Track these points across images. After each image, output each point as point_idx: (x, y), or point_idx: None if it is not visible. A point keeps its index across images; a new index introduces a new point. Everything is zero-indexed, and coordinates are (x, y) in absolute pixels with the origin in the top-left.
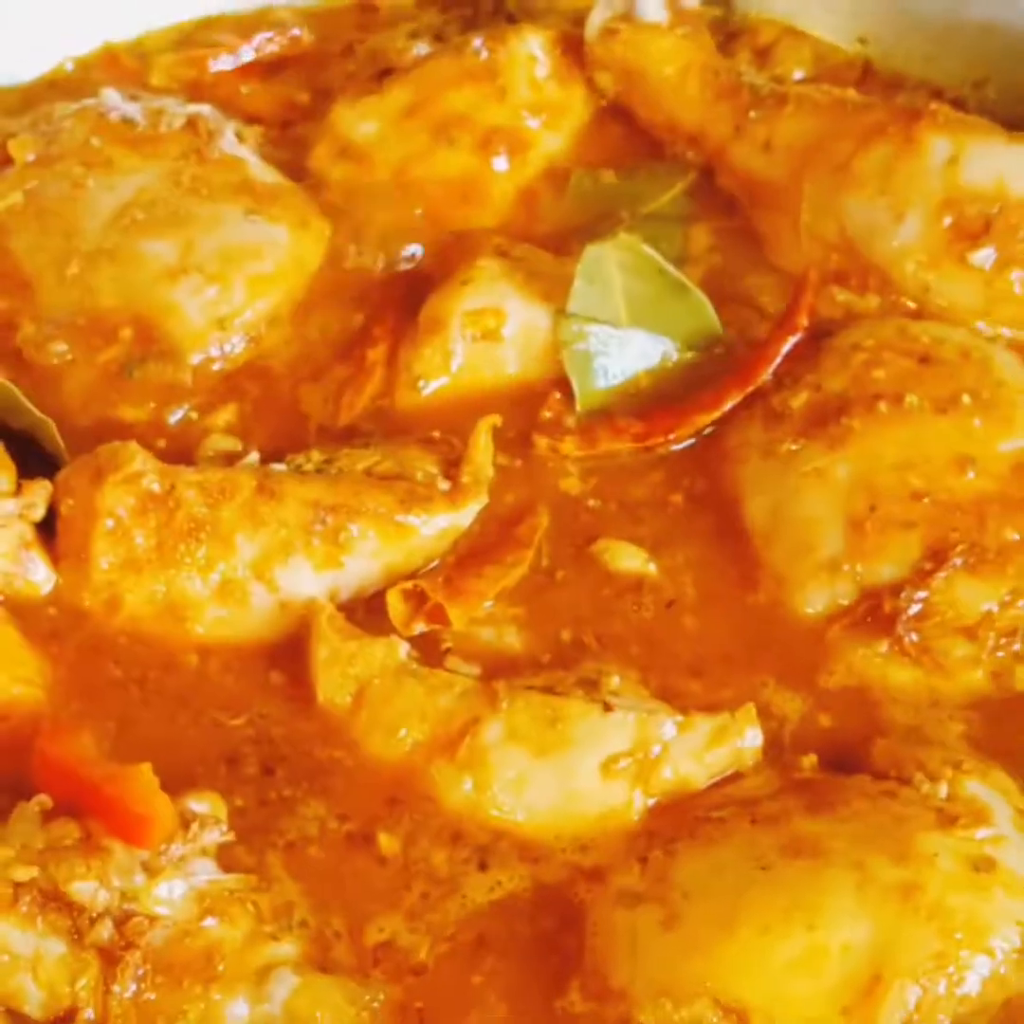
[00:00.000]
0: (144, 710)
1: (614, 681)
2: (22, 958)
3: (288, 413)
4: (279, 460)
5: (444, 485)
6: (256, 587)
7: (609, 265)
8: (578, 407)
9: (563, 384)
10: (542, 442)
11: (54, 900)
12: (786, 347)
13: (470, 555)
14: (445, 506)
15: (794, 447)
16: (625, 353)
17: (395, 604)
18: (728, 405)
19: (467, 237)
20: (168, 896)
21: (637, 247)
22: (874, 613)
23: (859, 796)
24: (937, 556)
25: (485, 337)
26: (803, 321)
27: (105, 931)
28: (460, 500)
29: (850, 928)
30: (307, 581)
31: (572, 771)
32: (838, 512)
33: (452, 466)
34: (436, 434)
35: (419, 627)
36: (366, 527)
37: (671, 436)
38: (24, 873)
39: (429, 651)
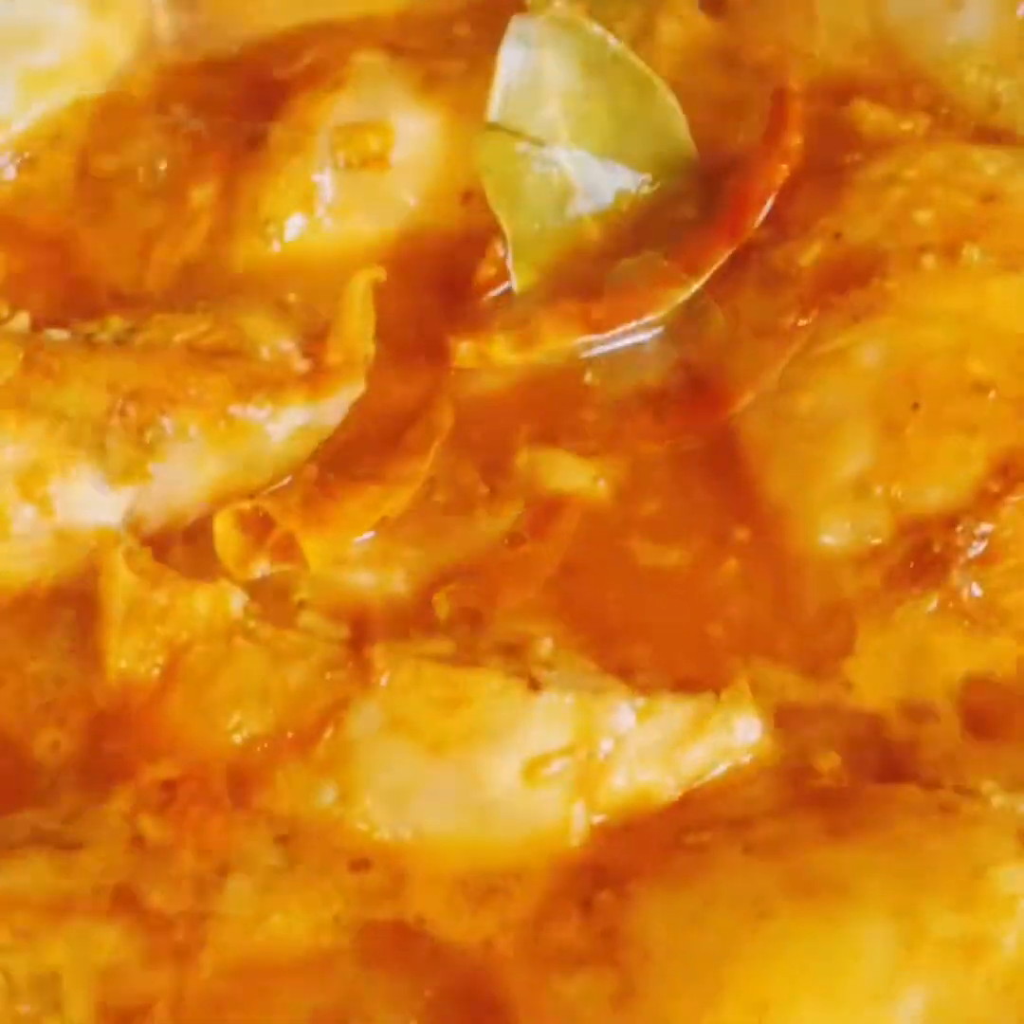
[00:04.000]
0: None
1: (545, 646)
2: None
3: (74, 269)
4: (62, 329)
5: (302, 365)
6: (22, 509)
7: (542, 52)
8: (511, 266)
9: (483, 239)
10: (463, 346)
11: None
12: (780, 179)
13: (339, 469)
14: (303, 394)
15: (803, 321)
16: (565, 188)
17: (226, 533)
18: (713, 267)
19: (341, 25)
20: None
21: (580, 24)
22: (919, 556)
23: (903, 813)
24: (1008, 473)
25: (365, 164)
26: (795, 140)
27: None
28: (324, 386)
29: (892, 1002)
30: (97, 501)
31: (483, 776)
32: (866, 411)
33: (314, 341)
34: (292, 297)
35: (261, 568)
36: (185, 422)
37: (640, 320)
38: None
39: (275, 604)
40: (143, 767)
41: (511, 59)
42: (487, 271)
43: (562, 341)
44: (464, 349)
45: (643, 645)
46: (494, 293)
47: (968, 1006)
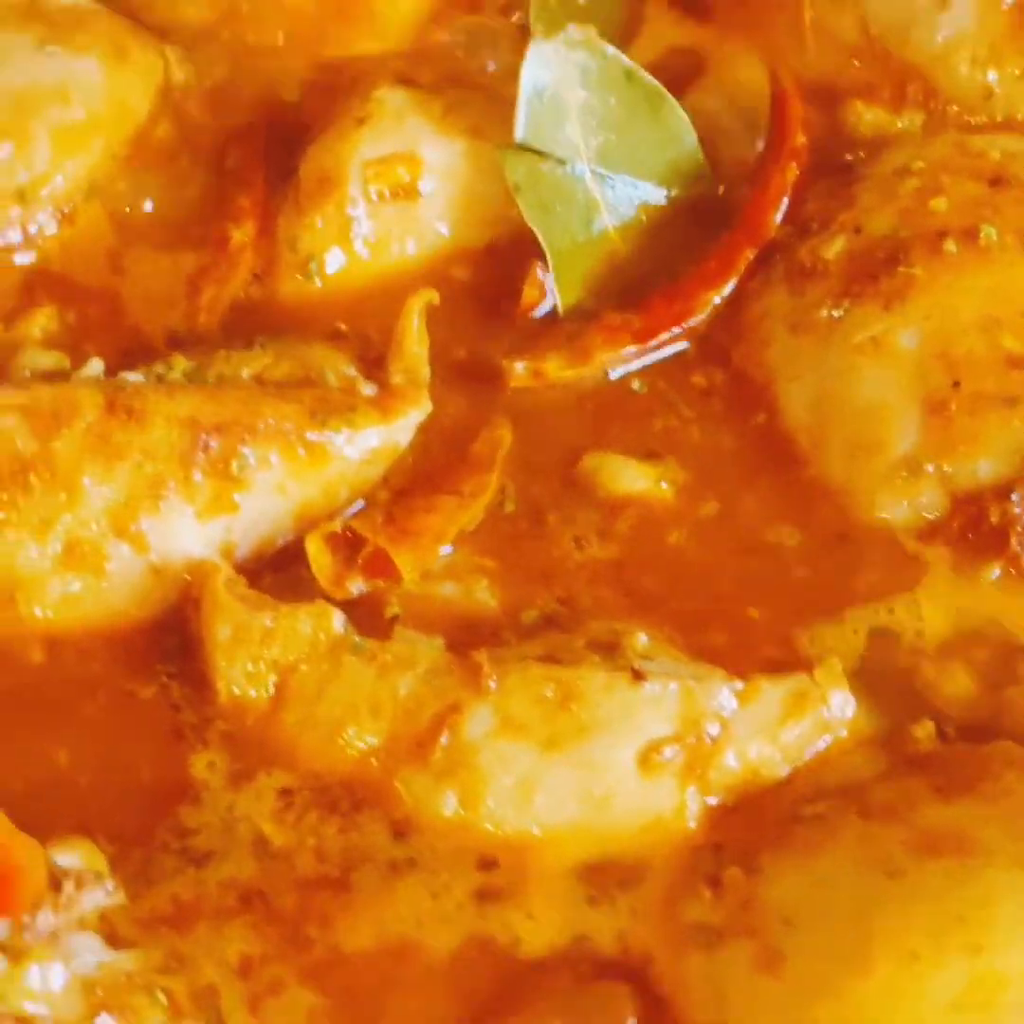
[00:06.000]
0: None
1: (640, 640)
2: None
3: (125, 317)
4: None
5: (369, 389)
6: (117, 547)
7: (561, 73)
8: (553, 283)
9: (515, 258)
10: (518, 366)
11: None
12: (792, 178)
13: (411, 486)
14: (375, 416)
15: (836, 313)
16: (590, 203)
17: (319, 555)
18: (742, 268)
19: (354, 63)
20: (43, 986)
21: (594, 44)
22: (976, 526)
23: (1005, 766)
24: None
25: (397, 195)
26: (800, 138)
27: None
28: (394, 406)
29: None
30: (189, 533)
31: (598, 768)
32: (909, 393)
33: (374, 366)
34: (342, 327)
35: (356, 586)
36: (266, 451)
37: (681, 327)
38: None
39: (367, 622)
40: (261, 776)
41: (532, 80)
42: (531, 291)
43: (611, 353)
44: (520, 369)
45: (721, 633)
46: (538, 311)
47: None
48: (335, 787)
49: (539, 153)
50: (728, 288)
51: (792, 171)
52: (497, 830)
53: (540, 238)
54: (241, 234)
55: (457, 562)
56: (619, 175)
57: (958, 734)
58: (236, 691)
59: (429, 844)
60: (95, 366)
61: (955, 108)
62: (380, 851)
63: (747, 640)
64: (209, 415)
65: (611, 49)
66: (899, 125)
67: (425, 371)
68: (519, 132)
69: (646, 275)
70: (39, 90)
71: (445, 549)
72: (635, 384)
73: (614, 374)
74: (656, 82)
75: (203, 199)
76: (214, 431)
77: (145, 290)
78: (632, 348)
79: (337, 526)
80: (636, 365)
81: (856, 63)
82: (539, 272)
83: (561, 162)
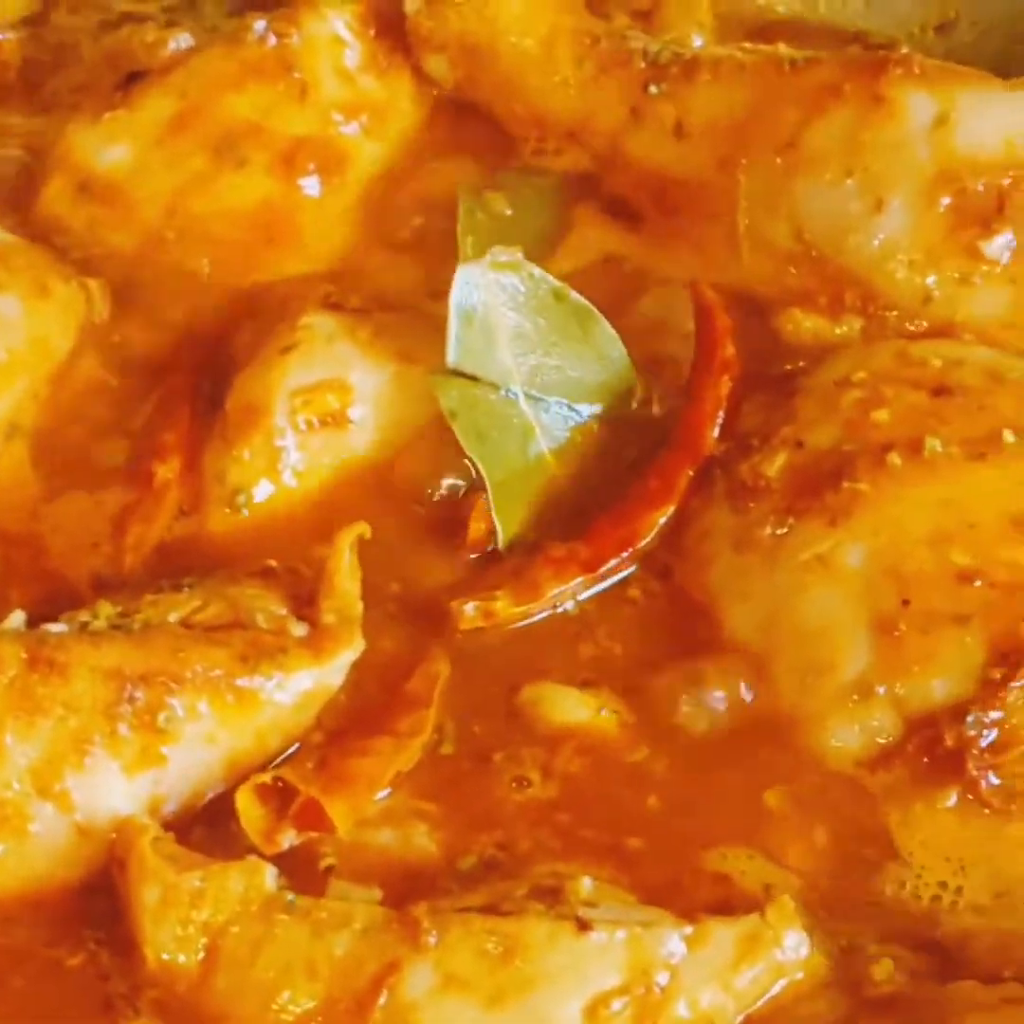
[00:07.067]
0: None
1: (584, 885)
2: None
3: (47, 562)
4: (51, 621)
5: (300, 630)
6: (40, 807)
7: (489, 296)
8: (495, 515)
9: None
10: (468, 608)
11: None
12: (725, 391)
13: (346, 727)
14: (307, 658)
15: (780, 530)
16: (525, 428)
17: (249, 808)
18: (683, 486)
19: (280, 289)
20: None
21: (520, 265)
22: (931, 749)
23: (971, 1009)
24: (1008, 658)
25: (326, 423)
26: (729, 350)
27: None
28: (326, 647)
29: None
30: (115, 790)
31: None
32: (857, 612)
33: (306, 604)
34: (272, 563)
35: (288, 839)
36: (195, 700)
37: (628, 552)
38: None
39: (302, 873)
40: None
41: (461, 303)
42: (478, 525)
43: (560, 585)
44: (470, 610)
45: (666, 869)
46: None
47: None
48: None
49: (472, 378)
50: (671, 508)
51: (725, 384)
52: None
53: (479, 467)
54: (166, 470)
55: (394, 807)
56: (553, 397)
57: (921, 972)
58: (165, 957)
59: None
60: (17, 618)
61: (894, 313)
62: None
63: (694, 876)
64: (135, 665)
65: (537, 270)
66: (837, 332)
67: (358, 608)
68: (451, 357)
69: (585, 499)
70: None
71: (381, 794)
72: (570, 608)
73: (563, 607)
74: (584, 301)
75: (125, 437)
76: (140, 681)
77: (68, 533)
78: (580, 578)
79: (267, 777)
80: (586, 595)
81: (793, 270)
82: (485, 504)
83: (494, 386)
